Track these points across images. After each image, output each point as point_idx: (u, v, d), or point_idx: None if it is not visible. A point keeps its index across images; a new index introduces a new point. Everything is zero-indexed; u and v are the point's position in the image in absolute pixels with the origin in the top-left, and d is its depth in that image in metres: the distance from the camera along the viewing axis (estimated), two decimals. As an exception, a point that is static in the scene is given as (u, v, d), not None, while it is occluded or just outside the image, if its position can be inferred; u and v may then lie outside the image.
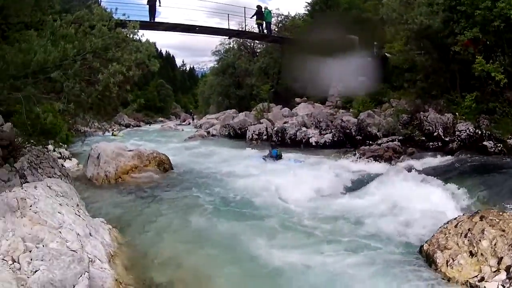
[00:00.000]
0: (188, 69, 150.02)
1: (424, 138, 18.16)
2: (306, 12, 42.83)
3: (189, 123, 61.17)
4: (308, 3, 41.80)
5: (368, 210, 10.24)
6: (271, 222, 9.84)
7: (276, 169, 15.47)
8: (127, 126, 62.38)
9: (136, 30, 10.70)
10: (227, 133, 31.09)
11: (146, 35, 11.56)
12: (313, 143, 21.86)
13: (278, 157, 19.05)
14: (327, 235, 8.84)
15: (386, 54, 28.17)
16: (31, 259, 5.72)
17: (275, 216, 10.26)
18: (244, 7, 24.33)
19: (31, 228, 6.59)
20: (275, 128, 25.41)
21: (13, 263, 5.68)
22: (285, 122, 25.33)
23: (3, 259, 5.67)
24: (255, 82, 42.62)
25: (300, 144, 22.29)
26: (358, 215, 9.98)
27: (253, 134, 26.92)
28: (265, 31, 24.61)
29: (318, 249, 8.06)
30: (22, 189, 7.84)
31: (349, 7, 35.43)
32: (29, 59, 8.80)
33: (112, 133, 40.95)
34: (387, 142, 18.58)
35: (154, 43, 11.45)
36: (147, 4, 19.74)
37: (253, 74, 44.06)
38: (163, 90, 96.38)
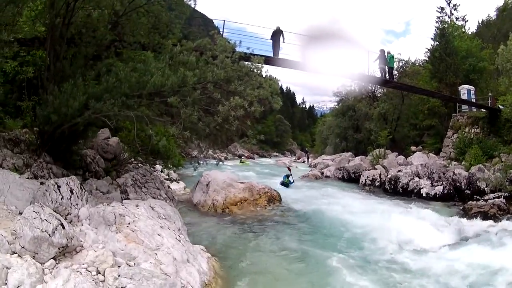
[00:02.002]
0: (307, 107, 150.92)
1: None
2: (426, 58, 41.98)
3: (304, 162, 61.12)
4: (428, 49, 40.97)
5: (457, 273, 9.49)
6: (373, 264, 9.56)
7: (385, 217, 14.89)
8: (240, 156, 63.66)
9: (260, 65, 10.84)
10: (341, 175, 30.75)
11: (269, 71, 11.61)
12: (424, 194, 20.96)
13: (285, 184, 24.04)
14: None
15: (499, 106, 27.02)
16: (119, 275, 5.86)
17: (376, 259, 9.95)
18: (368, 51, 23.94)
19: (125, 245, 6.77)
20: (388, 176, 24.73)
21: (97, 275, 5.85)
22: (399, 170, 24.54)
23: (87, 269, 5.85)
24: (373, 127, 41.99)
25: (411, 194, 21.46)
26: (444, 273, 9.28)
27: (367, 180, 26.48)
28: (387, 75, 24.02)
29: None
30: (122, 205, 8.13)
31: (466, 55, 34.27)
32: (145, 80, 9.13)
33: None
34: (494, 198, 17.40)
35: (278, 80, 11.42)
36: (271, 39, 19.92)
37: (372, 118, 43.45)
38: (281, 125, 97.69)
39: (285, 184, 24.52)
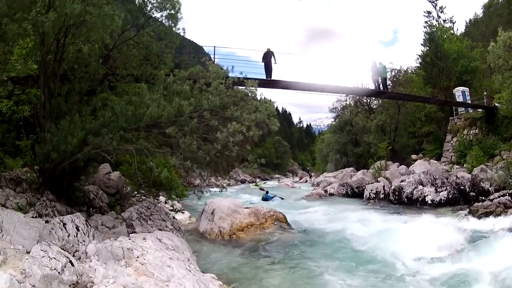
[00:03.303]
0: (305, 126, 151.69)
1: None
2: (418, 65, 42.32)
3: (306, 181, 61.15)
4: (419, 55, 41.30)
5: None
6: (389, 282, 9.33)
7: (391, 229, 14.76)
8: (243, 182, 63.65)
9: (254, 89, 10.84)
10: (344, 192, 30.72)
11: (263, 93, 11.65)
12: (429, 201, 20.95)
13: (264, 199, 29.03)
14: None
15: (495, 104, 27.50)
16: (132, 309, 5.77)
17: (391, 274, 9.75)
18: (360, 64, 24.18)
19: (136, 279, 6.68)
20: (392, 187, 24.73)
21: (109, 310, 5.74)
22: (402, 181, 24.52)
23: (98, 305, 5.75)
24: (372, 139, 42.08)
25: (417, 203, 21.40)
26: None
27: (371, 193, 26.47)
28: (381, 86, 24.10)
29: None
30: (129, 239, 8.05)
31: (457, 57, 34.69)
32: (141, 112, 9.12)
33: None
34: (499, 197, 17.41)
35: (274, 102, 11.40)
36: (262, 62, 19.96)
37: (370, 131, 43.58)
38: (280, 147, 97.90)
39: (265, 199, 29.63)
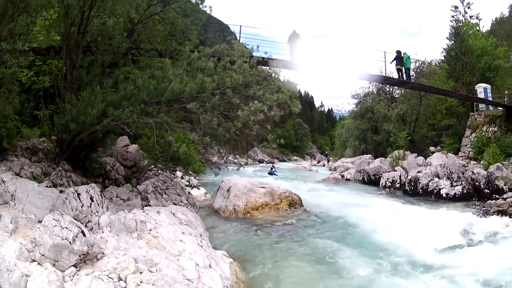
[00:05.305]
0: (326, 110, 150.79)
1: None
2: (442, 58, 41.84)
3: (324, 165, 61.02)
4: (444, 49, 40.80)
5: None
6: (399, 267, 9.34)
7: (404, 218, 14.68)
8: (261, 161, 63.75)
9: (278, 69, 10.77)
10: (361, 178, 30.70)
11: (287, 75, 11.56)
12: (444, 195, 20.79)
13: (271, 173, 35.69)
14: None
15: None
16: (141, 282, 5.83)
17: (401, 261, 9.72)
18: (384, 52, 23.78)
19: (147, 252, 6.76)
20: (408, 177, 24.49)
21: (118, 281, 5.81)
22: (418, 171, 24.27)
23: (108, 276, 5.82)
24: (392, 128, 41.65)
25: (431, 195, 21.29)
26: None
27: (387, 182, 26.19)
28: (404, 76, 23.83)
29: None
30: (143, 212, 8.13)
31: (482, 54, 34.18)
32: (164, 87, 9.12)
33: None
34: None
35: (296, 84, 11.35)
36: (288, 43, 19.87)
37: (390, 120, 43.16)
38: (301, 129, 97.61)
39: (270, 173, 36.15)
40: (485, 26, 52.39)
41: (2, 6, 8.19)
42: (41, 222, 6.37)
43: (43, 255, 5.58)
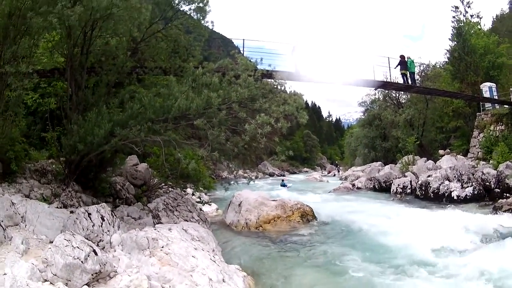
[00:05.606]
0: (334, 119, 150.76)
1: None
2: (446, 60, 41.74)
3: (334, 175, 60.90)
4: (447, 50, 40.71)
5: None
6: (416, 273, 9.19)
7: (417, 224, 14.56)
8: (271, 175, 63.57)
9: (284, 81, 10.79)
10: (372, 186, 30.55)
11: (292, 86, 11.58)
12: (455, 197, 20.69)
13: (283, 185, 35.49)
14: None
15: None
16: (155, 298, 5.82)
17: (417, 268, 9.52)
18: (388, 57, 23.73)
19: (160, 268, 6.75)
20: (419, 182, 24.43)
21: (132, 299, 5.80)
22: (429, 175, 24.19)
23: (121, 294, 5.81)
24: (400, 134, 41.60)
25: (443, 198, 21.17)
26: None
27: (398, 188, 26.11)
28: (409, 81, 23.80)
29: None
30: (154, 229, 8.13)
31: (485, 52, 34.16)
32: (170, 104, 9.17)
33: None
34: None
35: (302, 95, 11.35)
36: (292, 54, 19.87)
37: (398, 125, 43.11)
38: (309, 140, 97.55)
39: (283, 185, 35.81)
40: (486, 24, 52.28)
41: (4, 28, 8.29)
42: (52, 242, 6.37)
43: (55, 275, 5.58)
